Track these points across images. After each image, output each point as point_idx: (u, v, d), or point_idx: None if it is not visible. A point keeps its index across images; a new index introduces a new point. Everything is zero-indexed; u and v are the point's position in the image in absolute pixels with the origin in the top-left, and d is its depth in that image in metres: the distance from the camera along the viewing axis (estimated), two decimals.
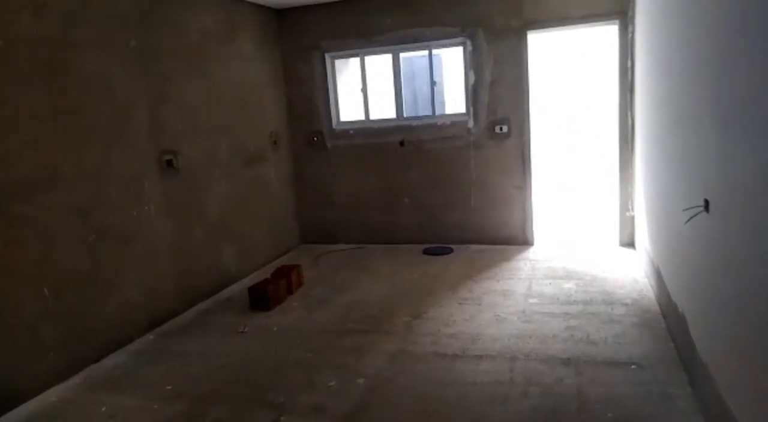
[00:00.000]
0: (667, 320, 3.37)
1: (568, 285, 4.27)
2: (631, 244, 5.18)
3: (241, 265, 4.99)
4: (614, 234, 5.38)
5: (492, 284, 4.42)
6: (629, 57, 4.86)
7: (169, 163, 4.11)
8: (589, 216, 6.47)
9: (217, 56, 4.75)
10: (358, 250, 5.77)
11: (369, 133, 5.76)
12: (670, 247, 3.27)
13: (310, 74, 5.77)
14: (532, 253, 5.23)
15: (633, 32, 4.79)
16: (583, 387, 2.76)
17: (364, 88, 5.73)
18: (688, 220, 2.37)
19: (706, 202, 2.27)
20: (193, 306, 4.30)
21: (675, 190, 3.04)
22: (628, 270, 4.52)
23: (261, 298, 4.15)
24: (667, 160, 3.31)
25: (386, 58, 5.78)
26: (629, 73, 4.90)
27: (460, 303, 4.05)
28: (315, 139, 5.89)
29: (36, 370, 3.05)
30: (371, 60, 6.22)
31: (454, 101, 10.44)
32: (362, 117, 5.82)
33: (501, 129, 5.35)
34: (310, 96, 5.82)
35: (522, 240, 5.52)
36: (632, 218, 5.14)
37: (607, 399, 2.62)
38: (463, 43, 5.37)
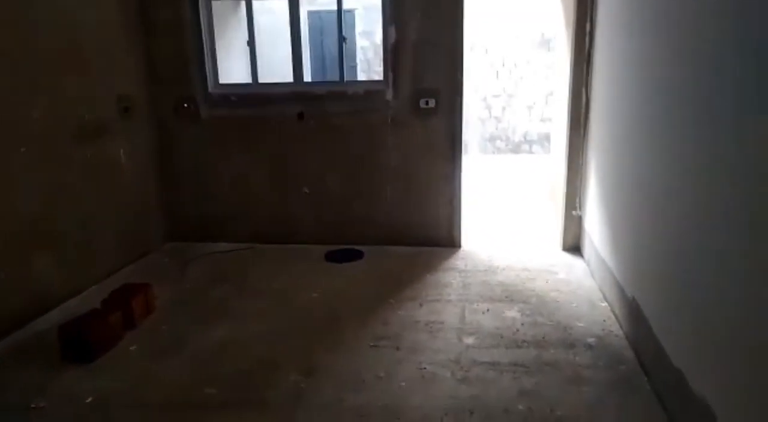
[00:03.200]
0: (654, 381, 2.45)
1: (511, 312, 3.28)
2: (576, 249, 4.32)
3: (69, 281, 3.53)
4: (556, 236, 4.50)
5: (414, 310, 3.34)
6: (589, 17, 3.87)
7: None
8: (524, 212, 5.58)
9: None
10: (244, 253, 4.48)
11: (258, 100, 4.41)
12: (671, 281, 2.32)
13: (178, 19, 4.28)
14: (461, 260, 4.21)
15: None
16: None
17: (251, 41, 4.35)
18: None
19: None
20: None
21: (698, 205, 2.06)
22: (580, 287, 3.63)
23: (78, 345, 2.78)
24: (673, 160, 2.32)
25: (282, 6, 4.41)
26: (587, 38, 3.93)
27: (372, 345, 2.93)
28: (186, 106, 4.44)
29: None
30: (264, 6, 4.83)
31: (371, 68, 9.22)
32: (249, 79, 4.45)
33: (427, 103, 4.22)
34: (179, 49, 4.34)
35: (448, 241, 4.49)
36: (579, 218, 4.26)
37: None
38: None
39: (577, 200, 4.23)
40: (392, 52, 4.18)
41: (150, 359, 2.83)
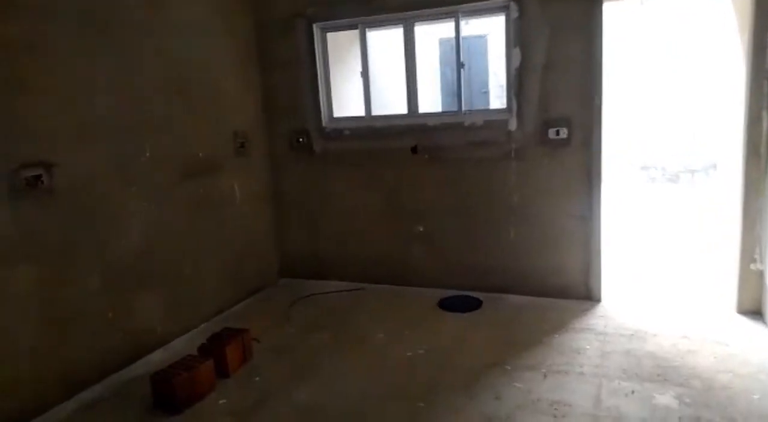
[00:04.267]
0: None
1: (665, 398, 2.55)
2: (756, 313, 3.38)
3: (177, 319, 3.51)
4: (728, 294, 3.59)
5: (535, 382, 2.76)
6: None
7: (34, 181, 2.67)
8: (686, 260, 4.62)
9: (148, 21, 3.29)
10: (352, 293, 4.21)
11: (370, 134, 4.17)
12: None
13: (293, 52, 4.23)
14: (600, 319, 3.51)
15: None
16: None
17: (365, 72, 4.14)
18: None
19: None
20: (77, 393, 2.84)
21: None
22: (764, 370, 2.75)
23: (166, 396, 2.67)
24: None
25: (399, 33, 4.14)
26: None
27: None
28: (300, 140, 4.35)
29: None
30: (380, 35, 4.63)
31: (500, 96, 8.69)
32: (362, 112, 4.24)
33: (558, 133, 3.65)
34: (294, 83, 4.28)
35: (583, 293, 3.80)
36: (760, 274, 3.34)
37: None
38: (505, 8, 3.69)
39: (758, 250, 3.32)
40: (516, 77, 3.69)
41: (235, 417, 2.62)
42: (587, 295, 3.79)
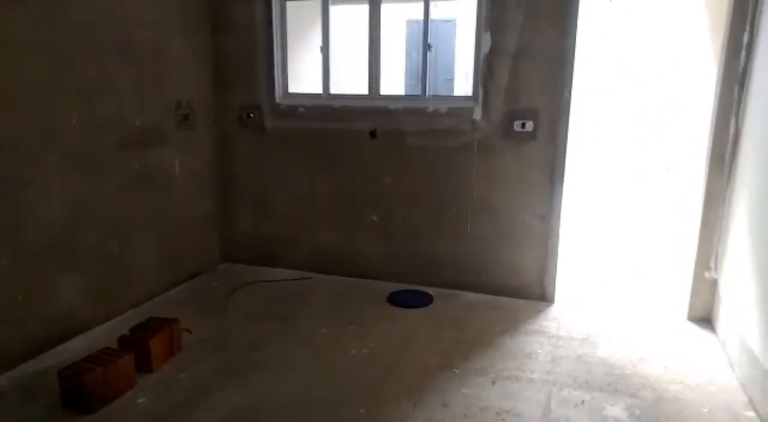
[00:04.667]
0: None
1: (615, 410, 2.45)
2: (706, 321, 3.36)
3: (100, 305, 3.19)
4: (679, 300, 3.55)
5: (483, 389, 2.61)
6: (748, 23, 2.96)
7: None
8: (640, 263, 4.58)
9: None
10: (298, 283, 3.98)
11: (327, 113, 3.90)
12: None
13: (249, 19, 3.90)
14: (552, 321, 3.40)
15: None
16: None
17: (325, 47, 3.86)
18: None
19: None
20: None
21: None
22: (713, 383, 2.70)
23: (77, 394, 2.37)
24: None
25: (364, 10, 3.87)
26: (743, 53, 3.00)
27: None
28: (250, 116, 4.05)
29: None
30: (345, 10, 4.34)
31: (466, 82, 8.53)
32: (320, 90, 3.96)
33: (523, 126, 3.49)
34: (248, 53, 3.96)
35: (538, 293, 3.69)
36: (714, 283, 3.30)
37: None
38: None
39: (713, 259, 3.28)
40: (485, 64, 3.50)
41: (154, 419, 2.36)
42: (541, 296, 3.68)
